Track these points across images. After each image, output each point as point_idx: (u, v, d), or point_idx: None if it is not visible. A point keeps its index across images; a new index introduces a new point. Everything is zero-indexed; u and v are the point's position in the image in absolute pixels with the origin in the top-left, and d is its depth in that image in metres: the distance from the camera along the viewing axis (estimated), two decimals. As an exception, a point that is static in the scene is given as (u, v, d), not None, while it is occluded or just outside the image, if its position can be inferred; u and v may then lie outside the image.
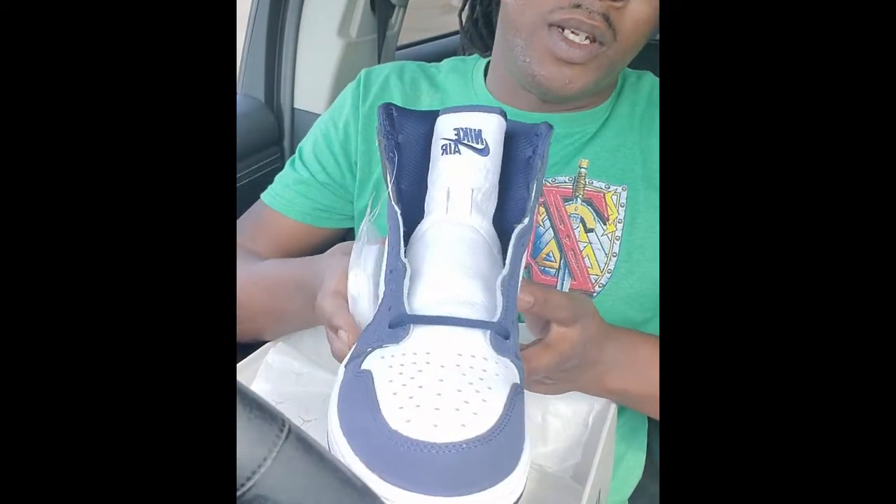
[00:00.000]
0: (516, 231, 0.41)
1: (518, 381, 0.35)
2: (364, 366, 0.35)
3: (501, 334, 0.37)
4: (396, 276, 0.38)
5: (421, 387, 0.32)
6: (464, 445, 0.28)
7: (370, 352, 0.36)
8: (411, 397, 0.31)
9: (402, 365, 0.34)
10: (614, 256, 0.63)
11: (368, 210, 0.48)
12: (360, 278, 0.43)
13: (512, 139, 0.47)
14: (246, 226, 0.71)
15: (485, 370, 0.34)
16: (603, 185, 0.65)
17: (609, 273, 0.62)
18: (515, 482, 0.30)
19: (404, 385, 0.32)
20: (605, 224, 0.63)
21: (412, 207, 0.44)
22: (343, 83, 1.16)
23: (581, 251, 0.63)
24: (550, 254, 0.64)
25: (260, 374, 0.55)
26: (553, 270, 0.64)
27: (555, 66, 0.59)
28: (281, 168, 0.73)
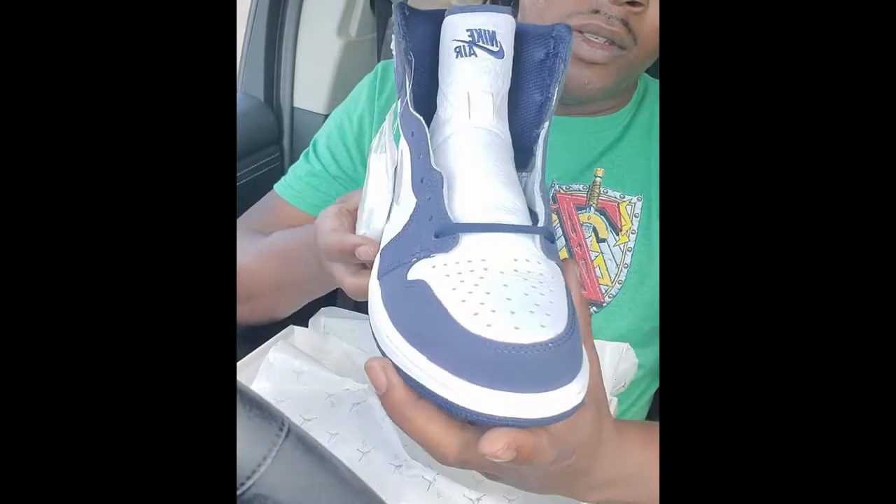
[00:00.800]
0: (543, 133, 0.42)
1: (565, 282, 0.37)
2: (412, 276, 0.35)
3: (549, 238, 0.38)
4: (432, 184, 0.38)
5: (488, 293, 0.32)
6: (549, 345, 0.30)
7: (413, 262, 0.36)
8: (482, 303, 0.32)
9: (460, 273, 0.34)
10: (626, 267, 0.61)
11: (391, 116, 0.47)
12: (380, 190, 0.43)
13: (522, 40, 0.45)
14: (257, 214, 0.72)
15: (541, 273, 0.35)
16: (618, 194, 0.64)
17: (620, 284, 0.61)
18: (584, 375, 0.32)
19: (470, 293, 0.32)
20: (617, 234, 0.63)
21: (421, 113, 0.42)
22: (342, 82, 1.16)
23: (592, 261, 0.63)
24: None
25: (260, 373, 0.55)
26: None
27: (575, 67, 0.59)
28: (281, 167, 0.74)
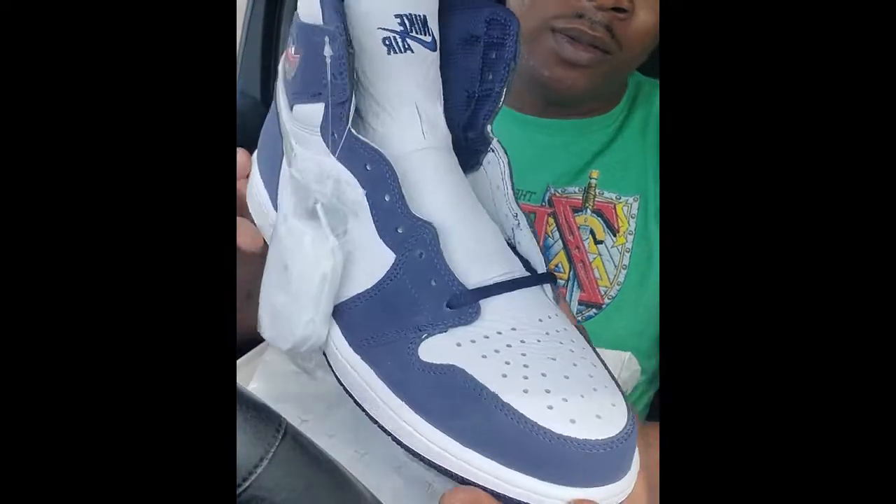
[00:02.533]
0: (482, 136, 0.36)
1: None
2: (430, 358, 0.31)
3: (555, 282, 0.34)
4: (421, 239, 0.31)
5: (544, 374, 0.29)
6: (613, 444, 0.27)
7: (424, 338, 0.31)
8: (547, 391, 0.29)
9: (498, 352, 0.30)
10: (624, 268, 0.62)
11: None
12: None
13: (447, 19, 0.37)
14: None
15: (566, 329, 0.32)
16: (614, 196, 0.63)
17: (618, 285, 0.61)
18: (636, 461, 0.30)
19: (526, 378, 0.29)
20: (614, 235, 0.63)
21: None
22: (339, 81, 1.15)
23: (590, 263, 0.63)
24: (560, 265, 0.64)
25: (257, 374, 0.55)
26: (562, 282, 0.63)
27: (560, 68, 0.59)
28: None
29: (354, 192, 0.33)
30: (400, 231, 0.32)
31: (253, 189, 0.35)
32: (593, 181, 0.64)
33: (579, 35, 0.56)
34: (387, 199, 0.32)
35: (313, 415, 0.51)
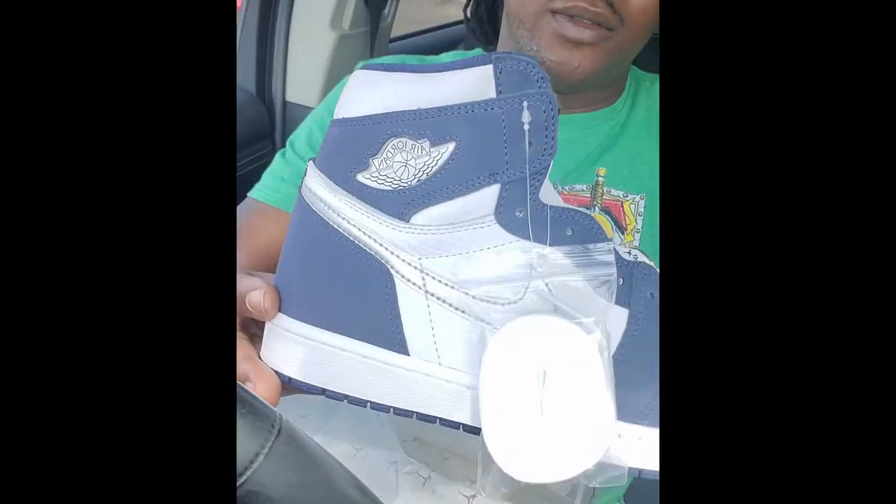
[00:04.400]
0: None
1: None
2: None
3: None
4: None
5: None
6: None
7: None
8: None
9: None
10: None
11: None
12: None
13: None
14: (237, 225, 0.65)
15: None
16: (621, 193, 0.63)
17: None
18: None
19: None
20: (622, 234, 0.62)
21: None
22: (335, 76, 1.16)
23: None
24: None
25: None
26: None
27: (564, 50, 0.57)
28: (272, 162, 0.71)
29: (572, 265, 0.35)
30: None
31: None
32: (601, 179, 0.63)
33: (581, 13, 0.55)
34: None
35: (309, 410, 0.51)
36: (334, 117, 0.37)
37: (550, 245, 0.34)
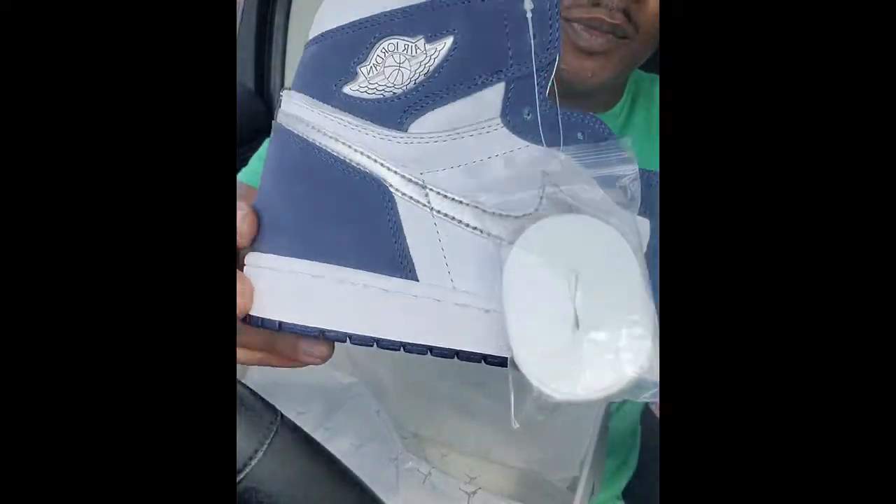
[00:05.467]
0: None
1: None
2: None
3: None
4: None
5: None
6: None
7: None
8: None
9: None
10: None
11: None
12: None
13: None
14: None
15: None
16: None
17: None
18: None
19: None
20: None
21: None
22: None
23: None
24: None
25: (253, 366, 0.55)
26: None
27: (577, 59, 0.56)
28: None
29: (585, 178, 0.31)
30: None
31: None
32: None
33: (599, 24, 0.54)
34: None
35: (309, 406, 0.51)
36: (308, 39, 0.34)
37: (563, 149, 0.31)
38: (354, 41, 0.32)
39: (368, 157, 0.31)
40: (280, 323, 0.31)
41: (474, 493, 0.49)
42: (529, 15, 0.31)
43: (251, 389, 0.32)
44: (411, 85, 0.31)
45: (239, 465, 0.28)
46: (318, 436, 0.32)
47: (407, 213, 0.31)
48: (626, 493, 0.73)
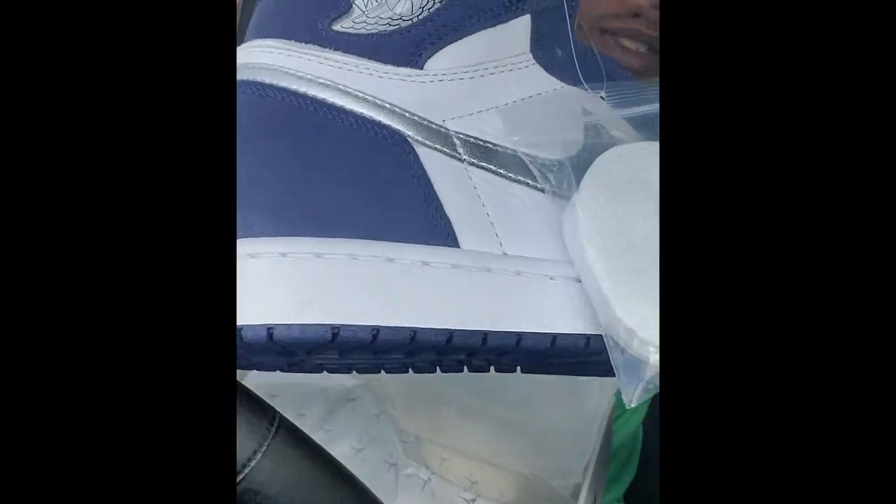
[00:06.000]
0: None
1: None
2: None
3: None
4: None
5: None
6: None
7: None
8: None
9: None
10: None
11: None
12: None
13: None
14: None
15: None
16: None
17: None
18: None
19: None
20: None
21: None
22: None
23: None
24: None
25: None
26: None
27: None
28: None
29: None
30: None
31: None
32: None
33: (637, 35, 0.51)
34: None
35: (309, 409, 0.51)
36: None
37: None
38: None
39: (376, 102, 0.25)
40: (269, 329, 0.24)
41: (474, 500, 0.49)
42: None
43: (250, 390, 0.32)
44: (424, 14, 0.26)
45: (238, 466, 0.28)
46: (317, 438, 0.32)
47: (435, 166, 0.25)
48: (628, 495, 0.73)
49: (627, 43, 0.52)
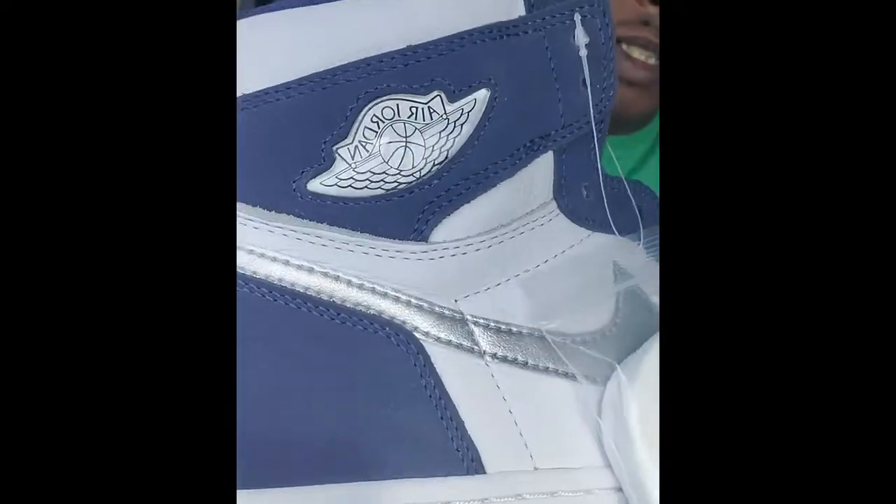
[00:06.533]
0: None
1: None
2: None
3: None
4: None
5: None
6: None
7: None
8: None
9: None
10: None
11: None
12: None
13: None
14: None
15: None
16: None
17: None
18: None
19: None
20: None
21: None
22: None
23: None
24: None
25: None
26: None
27: (621, 89, 0.52)
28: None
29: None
30: None
31: None
32: None
33: (646, 43, 0.51)
34: None
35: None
36: (239, 97, 0.20)
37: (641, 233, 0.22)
38: (323, 106, 0.20)
39: (373, 289, 0.20)
40: None
41: None
42: (584, 52, 0.22)
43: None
44: (429, 169, 0.21)
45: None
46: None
47: (451, 371, 0.21)
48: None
49: (636, 53, 0.51)
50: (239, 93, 0.21)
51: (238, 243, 0.21)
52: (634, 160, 0.62)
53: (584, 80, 0.22)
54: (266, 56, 0.20)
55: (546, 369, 0.22)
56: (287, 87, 0.20)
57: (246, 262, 0.21)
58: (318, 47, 0.20)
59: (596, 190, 0.23)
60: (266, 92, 0.20)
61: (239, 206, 0.21)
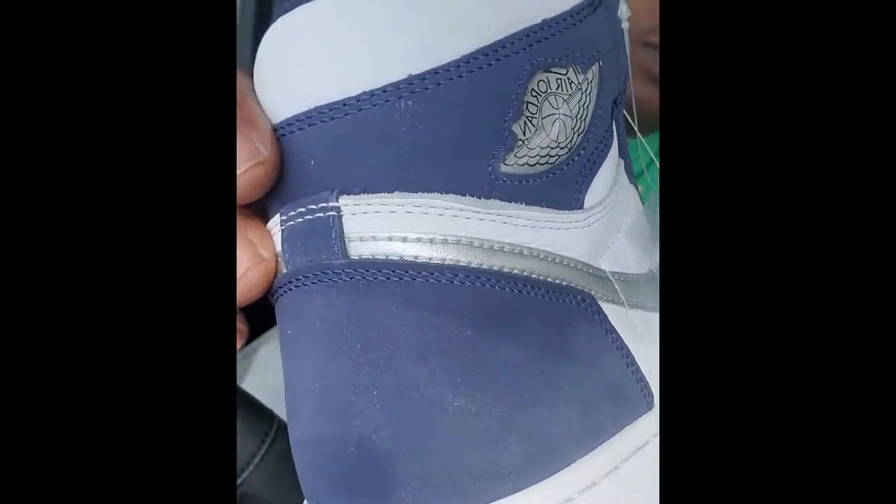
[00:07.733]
0: None
1: None
2: None
3: None
4: None
5: None
6: None
7: None
8: None
9: None
10: None
11: None
12: None
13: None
14: None
15: None
16: None
17: None
18: None
19: None
20: None
21: None
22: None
23: None
24: None
25: (253, 370, 0.55)
26: None
27: (649, 87, 0.53)
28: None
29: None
30: None
31: None
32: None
33: None
34: None
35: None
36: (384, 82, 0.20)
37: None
38: (497, 80, 0.19)
39: (559, 261, 0.21)
40: None
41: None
42: (625, 25, 0.23)
43: (248, 394, 0.31)
44: (576, 140, 0.21)
45: (236, 471, 0.28)
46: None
47: (622, 326, 0.22)
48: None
49: None
50: (405, 74, 0.20)
51: (465, 239, 0.20)
52: (645, 160, 0.63)
53: (624, 49, 0.24)
54: (424, 32, 0.20)
55: (653, 308, 0.24)
56: (456, 64, 0.19)
57: (468, 256, 0.20)
58: (477, 22, 0.20)
59: (625, 151, 0.25)
60: (436, 72, 0.19)
61: (448, 197, 0.20)
